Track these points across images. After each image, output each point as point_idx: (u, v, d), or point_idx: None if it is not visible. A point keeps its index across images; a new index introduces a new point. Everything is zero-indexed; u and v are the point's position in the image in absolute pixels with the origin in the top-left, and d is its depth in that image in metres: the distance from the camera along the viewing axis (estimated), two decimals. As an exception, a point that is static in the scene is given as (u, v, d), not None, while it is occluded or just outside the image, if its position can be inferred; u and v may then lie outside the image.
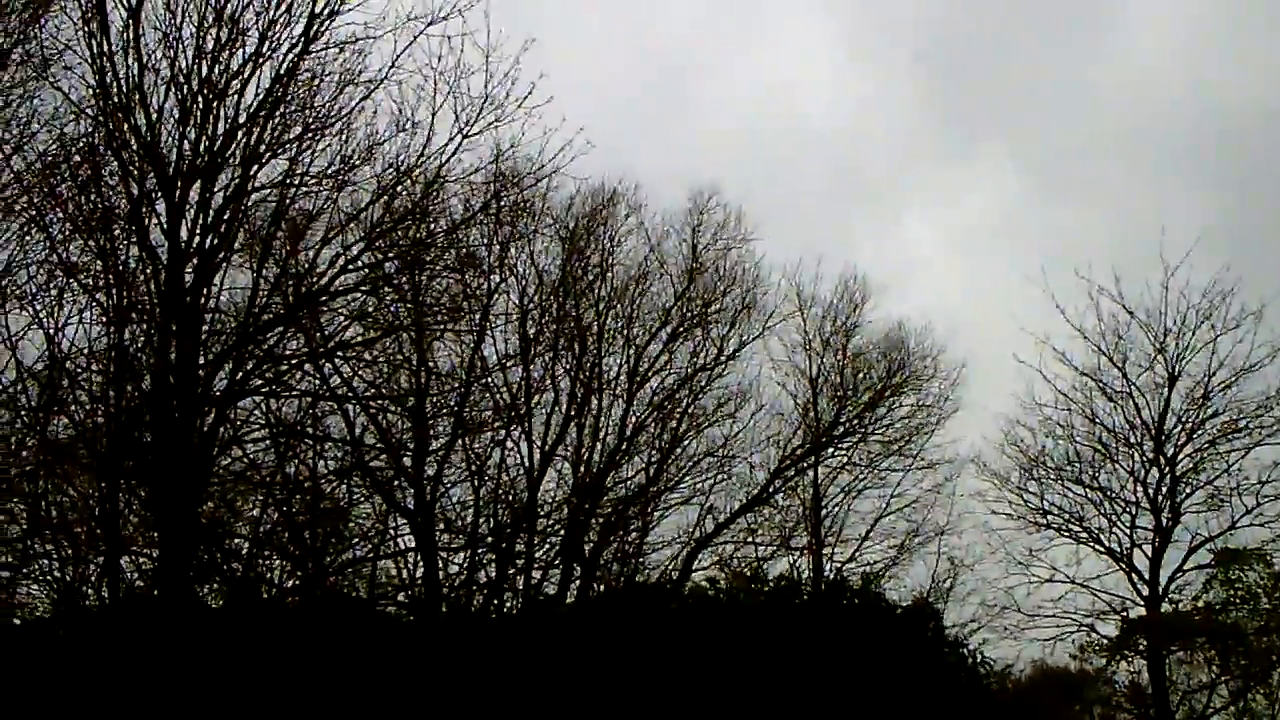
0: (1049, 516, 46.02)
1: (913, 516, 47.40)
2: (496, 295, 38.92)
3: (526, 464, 40.16)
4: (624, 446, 42.03)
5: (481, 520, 38.87)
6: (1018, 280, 63.73)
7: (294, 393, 32.52)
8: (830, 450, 47.06)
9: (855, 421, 47.07)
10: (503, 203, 33.91)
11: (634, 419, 42.47)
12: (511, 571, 39.40)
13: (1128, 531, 45.37)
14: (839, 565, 46.74)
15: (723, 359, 44.10)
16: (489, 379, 38.32)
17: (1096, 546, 45.69)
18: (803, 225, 74.64)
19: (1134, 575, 45.28)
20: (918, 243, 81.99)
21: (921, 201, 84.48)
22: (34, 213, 28.48)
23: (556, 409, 40.96)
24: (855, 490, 47.41)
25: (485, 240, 37.23)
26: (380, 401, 35.08)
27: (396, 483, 36.73)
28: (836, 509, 47.18)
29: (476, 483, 38.87)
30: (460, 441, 37.77)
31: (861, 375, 47.55)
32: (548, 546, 40.35)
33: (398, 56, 29.22)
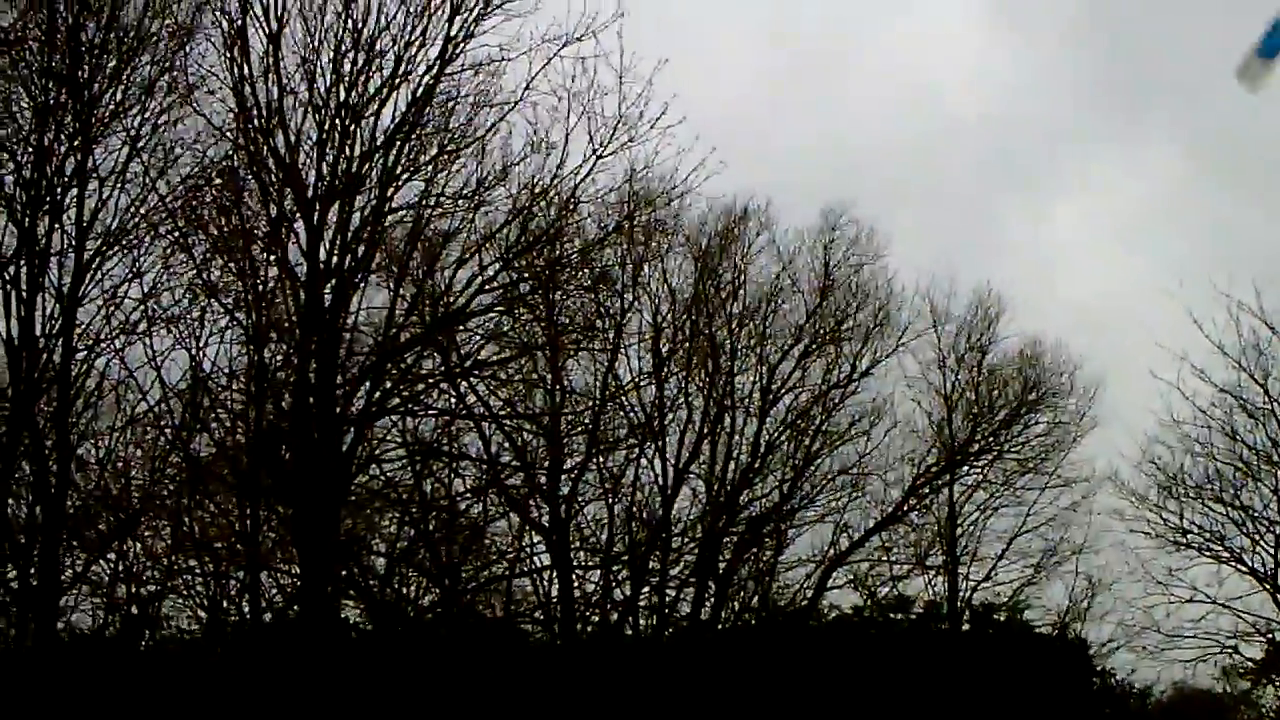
0: (1189, 535, 44.94)
1: (1049, 535, 46.69)
2: (630, 314, 39.08)
3: (660, 482, 40.23)
4: (757, 464, 41.91)
5: (616, 538, 39.02)
6: (1167, 277, 61.26)
7: (431, 412, 32.87)
8: (965, 468, 46.57)
9: (990, 439, 46.56)
10: (636, 222, 33.93)
11: (767, 437, 42.31)
12: (646, 590, 39.48)
13: (1272, 552, 44.33)
14: (974, 584, 46.35)
15: (856, 376, 43.81)
16: (623, 397, 38.45)
17: (1239, 567, 44.62)
18: (945, 219, 71.93)
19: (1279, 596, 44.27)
20: (1067, 234, 78.22)
21: (1073, 190, 79.54)
22: (177, 235, 29.06)
23: (690, 427, 40.99)
24: (991, 508, 46.85)
25: (619, 259, 37.29)
26: (516, 420, 35.32)
27: (532, 500, 36.99)
28: (972, 527, 46.67)
29: (611, 500, 39.06)
30: (595, 459, 37.93)
31: (996, 392, 47.02)
32: (682, 565, 40.38)
33: (532, 78, 29.35)
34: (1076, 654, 44.10)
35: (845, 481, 43.28)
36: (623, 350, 38.63)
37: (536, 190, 30.12)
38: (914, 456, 45.15)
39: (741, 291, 42.47)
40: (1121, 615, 45.11)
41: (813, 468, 43.04)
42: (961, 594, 45.93)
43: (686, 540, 40.61)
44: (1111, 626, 45.66)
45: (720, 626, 41.02)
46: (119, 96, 28.71)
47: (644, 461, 39.88)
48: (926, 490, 45.45)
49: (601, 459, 38.27)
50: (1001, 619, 44.30)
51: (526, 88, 29.39)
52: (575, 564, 37.90)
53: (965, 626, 45.71)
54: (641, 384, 39.29)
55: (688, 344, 40.90)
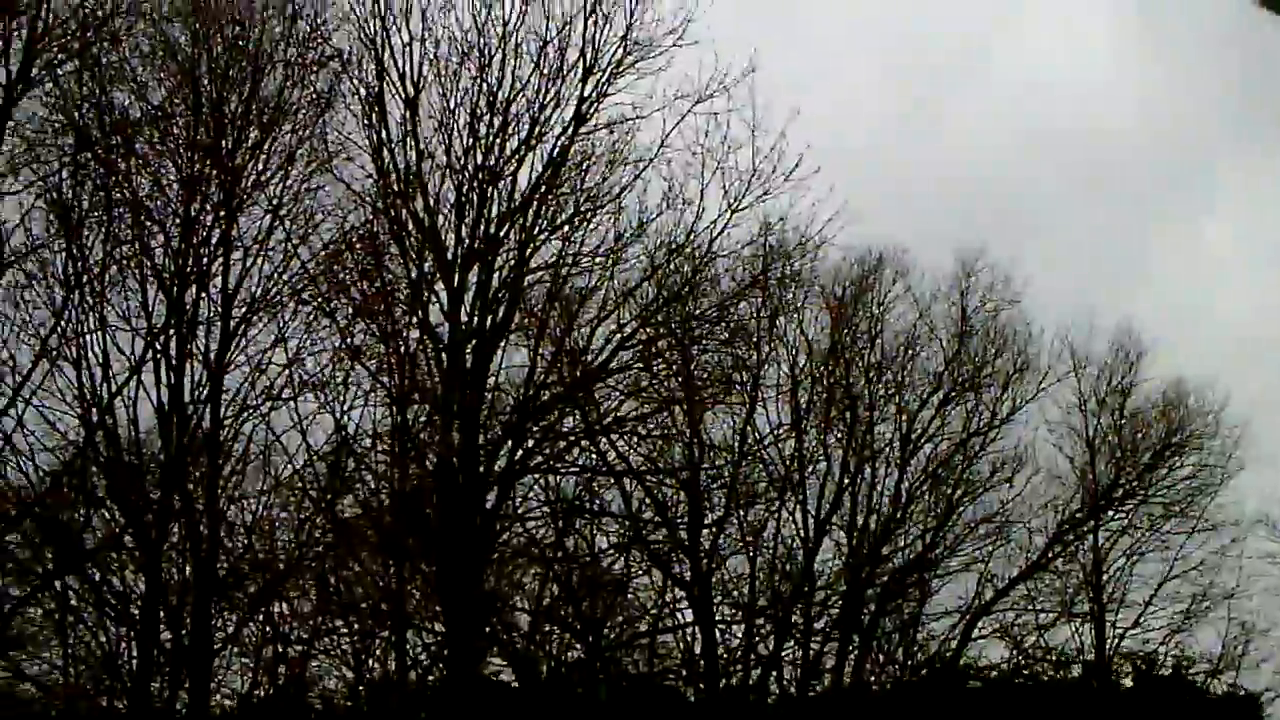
0: (1348, 580, 43.98)
1: (1199, 580, 45.74)
2: (767, 366, 38.98)
3: (802, 534, 40.01)
4: (899, 515, 41.57)
5: (759, 592, 38.86)
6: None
7: (572, 469, 33.05)
8: (1110, 513, 45.82)
9: (1135, 483, 45.73)
10: (771, 275, 33.95)
11: (908, 486, 41.97)
12: (789, 644, 39.24)
13: None
14: (1122, 631, 45.53)
15: (996, 423, 43.29)
16: (762, 450, 38.35)
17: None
18: (1084, 252, 69.73)
19: None
20: (1216, 259, 74.39)
21: (1223, 211, 74.74)
22: (320, 300, 29.47)
23: (830, 478, 40.75)
24: (1137, 554, 45.95)
25: (754, 311, 37.24)
26: (656, 475, 35.34)
27: (674, 556, 36.94)
28: (1118, 574, 45.87)
29: (753, 554, 38.91)
30: (736, 513, 37.83)
31: (1140, 435, 46.25)
32: (825, 618, 40.12)
33: (666, 136, 29.71)
34: (1248, 712, 43.02)
35: (988, 530, 42.77)
36: (761, 403, 38.56)
37: (673, 247, 30.35)
38: (1057, 503, 44.51)
39: (878, 340, 42.21)
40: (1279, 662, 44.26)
41: (955, 517, 42.57)
42: (1109, 642, 45.17)
43: (829, 593, 40.37)
44: (1269, 675, 44.77)
45: (865, 680, 40.63)
46: (261, 166, 29.19)
47: (785, 514, 39.74)
48: (1071, 537, 44.76)
49: (742, 513, 38.16)
50: (1165, 674, 43.34)
51: (661, 145, 29.81)
52: (718, 619, 37.81)
53: (1127, 682, 44.77)
54: (780, 436, 39.16)
55: (826, 395, 40.75)
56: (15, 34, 26.95)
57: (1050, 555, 43.97)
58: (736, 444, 37.63)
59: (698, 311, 32.15)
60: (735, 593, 38.96)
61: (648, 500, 36.37)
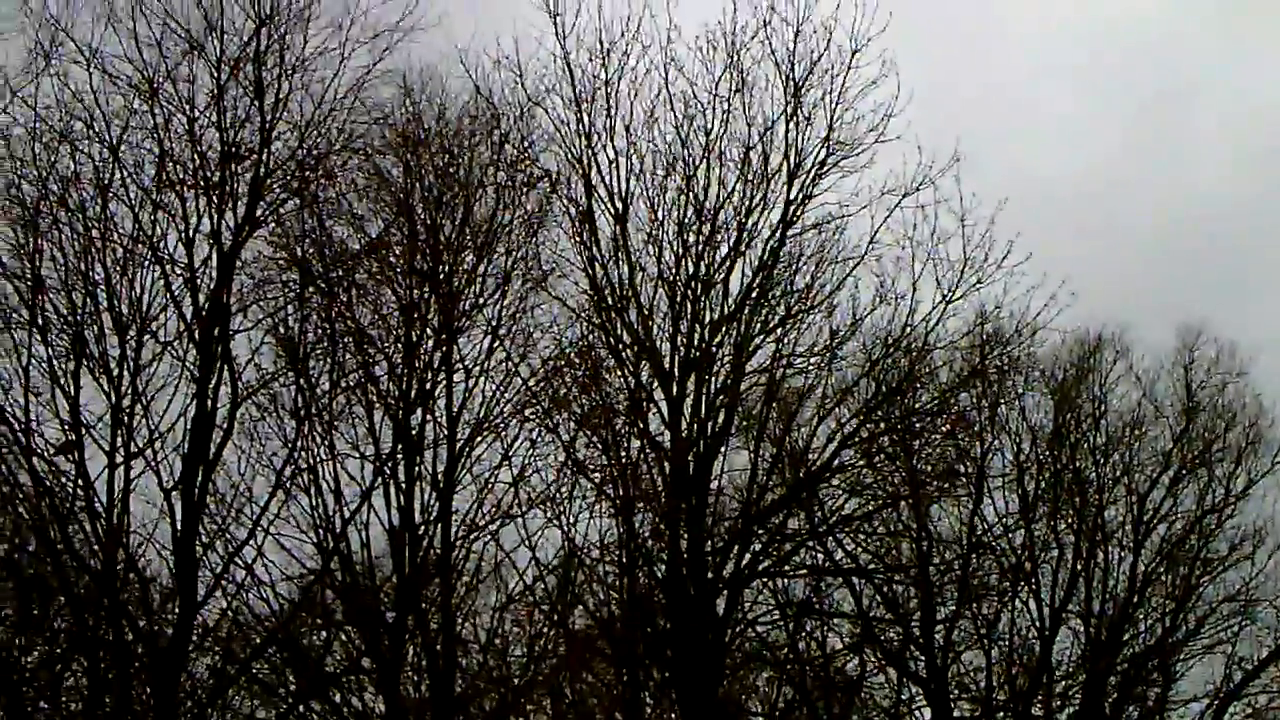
0: None
1: None
2: (991, 455, 38.47)
3: (1037, 624, 39.24)
4: (1136, 598, 40.57)
5: (996, 685, 38.13)
6: None
7: (800, 570, 32.89)
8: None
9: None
10: (989, 363, 33.60)
11: (1144, 569, 40.96)
12: (1032, 736, 38.41)
13: None
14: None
15: (1231, 499, 42.17)
16: (992, 540, 37.77)
17: None
18: None
19: None
20: None
21: None
22: (542, 417, 29.87)
23: (1063, 565, 39.94)
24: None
25: (974, 400, 36.87)
26: (885, 572, 35.02)
27: (907, 652, 36.47)
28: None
29: (988, 646, 38.23)
30: (968, 606, 37.26)
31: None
32: (1067, 708, 39.22)
33: (875, 232, 29.83)
34: None
35: (1232, 610, 41.52)
36: (987, 493, 38.02)
37: (889, 341, 30.26)
38: (1304, 578, 43.07)
39: (1103, 422, 41.52)
40: None
41: (1195, 597, 41.42)
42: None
43: (1069, 683, 39.51)
44: None
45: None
46: (478, 288, 29.79)
47: (1018, 604, 39.05)
48: (1322, 612, 43.24)
49: (975, 605, 37.57)
50: None
51: (871, 241, 29.86)
52: (956, 715, 37.16)
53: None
54: (1009, 525, 38.56)
55: (1053, 480, 40.09)
56: (241, 177, 28.01)
57: (1300, 632, 42.52)
58: (965, 536, 37.12)
59: (917, 405, 31.91)
60: (972, 687, 38.31)
61: (878, 598, 36.03)
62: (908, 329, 30.33)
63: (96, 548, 27.52)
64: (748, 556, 30.60)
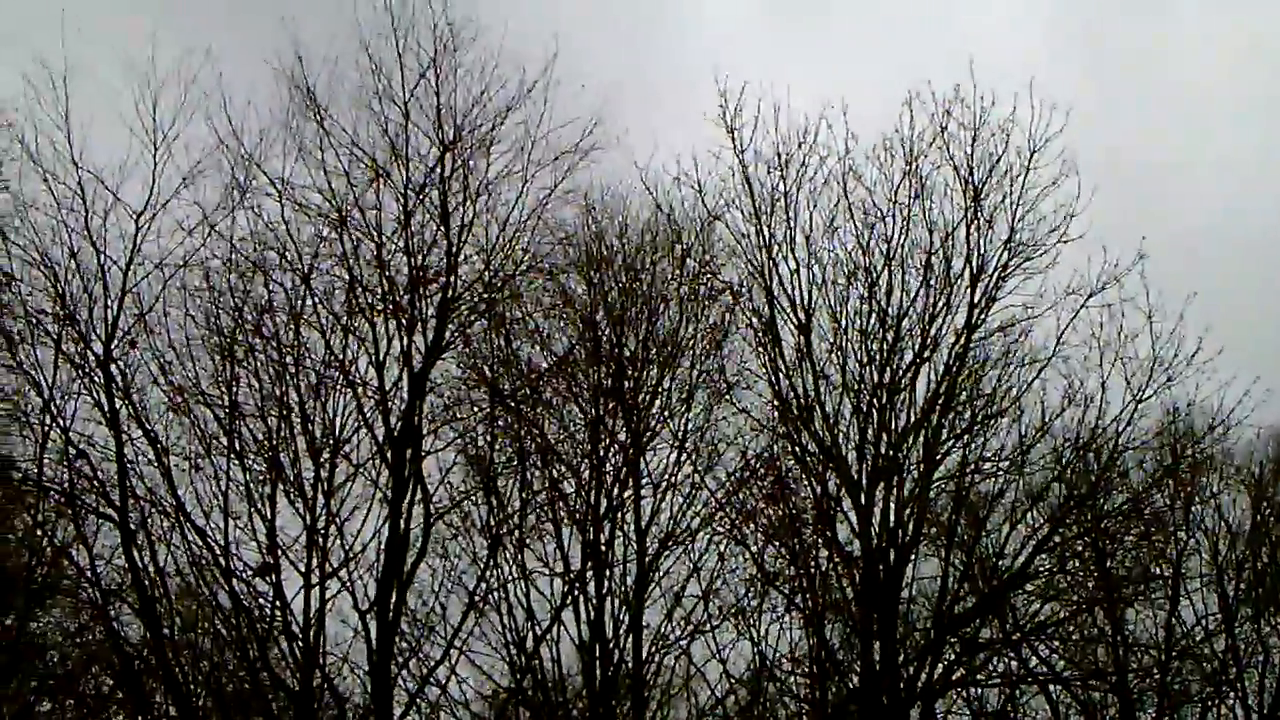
0: None
1: None
2: (1187, 555, 37.57)
3: (1244, 730, 38.07)
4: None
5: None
6: None
7: (994, 678, 32.32)
8: None
9: None
10: (1182, 462, 32.92)
11: (1354, 671, 39.62)
12: None
13: None
14: None
15: None
16: (1191, 644, 36.79)
17: None
18: None
19: None
20: None
21: None
22: (730, 528, 29.87)
23: (1269, 670, 38.74)
24: None
25: (1167, 500, 36.10)
26: (1081, 680, 34.27)
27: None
28: None
29: (1191, 753, 37.16)
30: (1168, 713, 36.19)
31: None
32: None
33: (1061, 333, 29.43)
34: None
35: None
36: (1185, 595, 37.12)
37: (1079, 443, 29.80)
38: None
39: (1300, 516, 40.41)
40: None
41: None
42: None
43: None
44: None
45: None
46: (663, 402, 29.97)
47: (1223, 711, 37.91)
48: None
49: (1175, 712, 36.54)
50: None
51: (1057, 342, 29.49)
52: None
53: None
54: (1210, 629, 37.54)
55: (1254, 580, 39.03)
56: (429, 300, 28.55)
57: None
58: (1163, 640, 36.23)
59: (1109, 507, 31.34)
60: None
61: (1075, 705, 35.27)
62: (1098, 430, 29.83)
63: (293, 667, 27.93)
64: (941, 666, 30.12)
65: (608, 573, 29.10)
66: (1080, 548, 31.24)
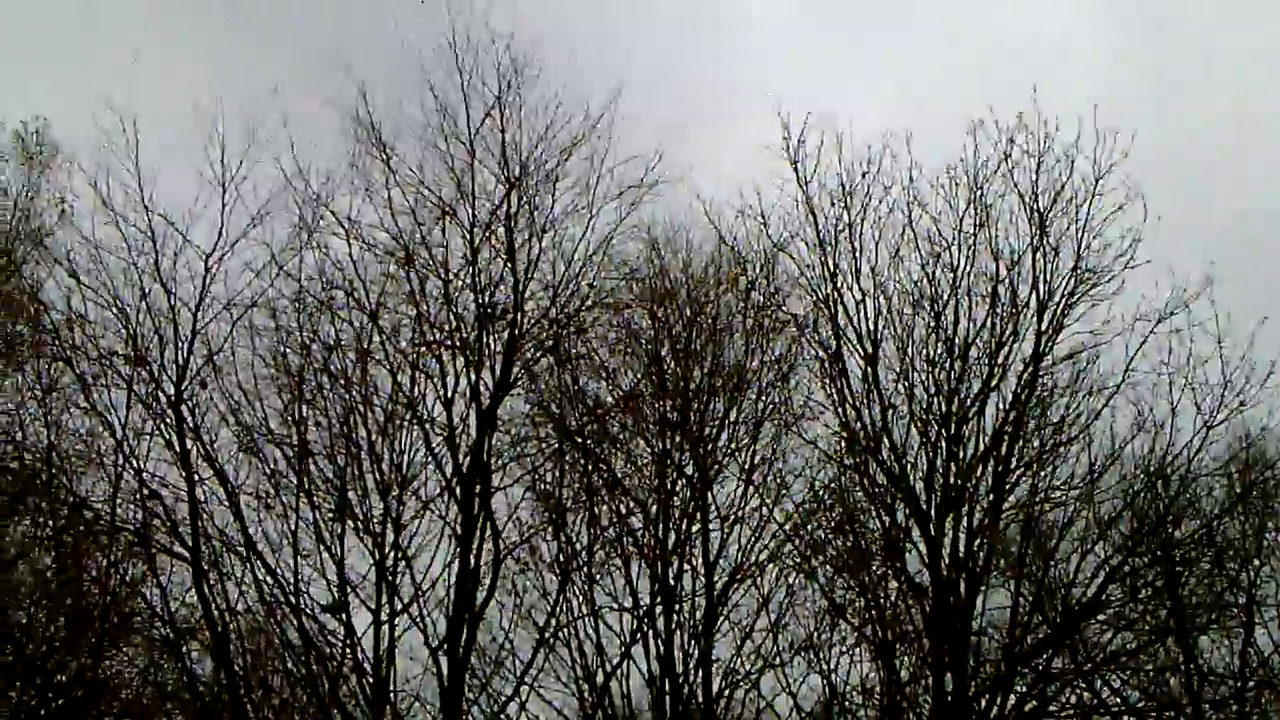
0: None
1: None
2: (1260, 583, 37.11)
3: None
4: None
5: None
6: None
7: (1067, 710, 31.95)
8: None
9: None
10: (1255, 489, 32.62)
11: None
12: None
13: None
14: None
15: None
16: (1268, 673, 36.31)
17: None
18: None
19: None
20: None
21: None
22: (799, 561, 29.77)
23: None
24: None
25: (1239, 527, 35.74)
26: (1155, 710, 33.84)
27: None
28: None
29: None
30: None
31: None
32: None
33: (1131, 359, 29.19)
34: None
35: None
36: (1260, 622, 36.64)
37: (1150, 471, 29.58)
38: None
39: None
40: None
41: None
42: None
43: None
44: None
45: None
46: (729, 435, 29.95)
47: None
48: None
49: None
50: None
51: (1126, 369, 29.26)
52: None
53: None
54: (1286, 656, 37.09)
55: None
56: (496, 337, 28.66)
57: None
58: (1238, 670, 35.80)
59: (1181, 535, 31.07)
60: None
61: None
62: (1168, 457, 29.60)
63: (364, 704, 28.00)
64: (1013, 698, 29.85)
65: (676, 607, 29.08)
66: (1151, 576, 30.93)
